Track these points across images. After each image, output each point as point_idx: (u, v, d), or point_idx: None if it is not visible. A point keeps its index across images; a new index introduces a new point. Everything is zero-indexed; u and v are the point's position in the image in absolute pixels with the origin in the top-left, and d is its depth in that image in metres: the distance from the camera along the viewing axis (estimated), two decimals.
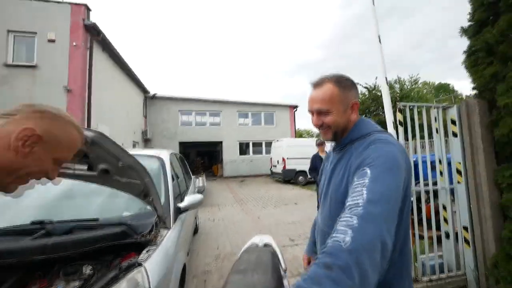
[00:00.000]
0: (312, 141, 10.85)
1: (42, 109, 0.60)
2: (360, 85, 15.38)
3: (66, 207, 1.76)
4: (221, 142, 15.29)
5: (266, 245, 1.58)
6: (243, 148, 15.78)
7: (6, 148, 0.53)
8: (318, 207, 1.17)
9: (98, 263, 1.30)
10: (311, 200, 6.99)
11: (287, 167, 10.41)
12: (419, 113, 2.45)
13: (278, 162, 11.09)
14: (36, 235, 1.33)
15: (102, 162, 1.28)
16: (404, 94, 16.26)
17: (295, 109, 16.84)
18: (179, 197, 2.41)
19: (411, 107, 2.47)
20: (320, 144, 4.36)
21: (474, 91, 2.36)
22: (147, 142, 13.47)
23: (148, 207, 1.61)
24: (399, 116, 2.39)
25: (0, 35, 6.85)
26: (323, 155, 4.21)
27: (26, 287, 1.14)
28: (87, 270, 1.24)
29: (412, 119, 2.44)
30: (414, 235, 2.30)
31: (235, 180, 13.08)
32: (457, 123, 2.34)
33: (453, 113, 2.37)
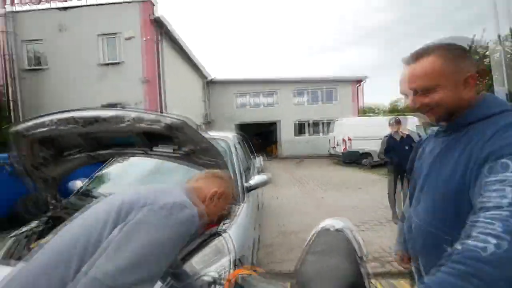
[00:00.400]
0: (381, 120, 9.73)
1: (220, 175, 0.98)
2: None
3: (157, 181, 2.07)
4: (276, 122, 15.33)
5: (342, 229, 1.54)
6: (300, 128, 15.46)
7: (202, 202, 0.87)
8: (410, 200, 1.02)
9: None
10: (377, 185, 6.43)
11: (349, 148, 9.70)
12: None
13: (339, 143, 10.43)
14: None
15: (186, 145, 1.44)
16: None
17: (359, 84, 15.14)
18: (247, 174, 2.55)
19: None
20: (397, 123, 3.73)
21: None
22: (208, 124, 14.64)
23: None
24: None
25: (93, 39, 8.27)
26: (397, 137, 3.70)
27: None
28: None
29: None
30: None
31: (292, 161, 13.06)
32: None
33: None
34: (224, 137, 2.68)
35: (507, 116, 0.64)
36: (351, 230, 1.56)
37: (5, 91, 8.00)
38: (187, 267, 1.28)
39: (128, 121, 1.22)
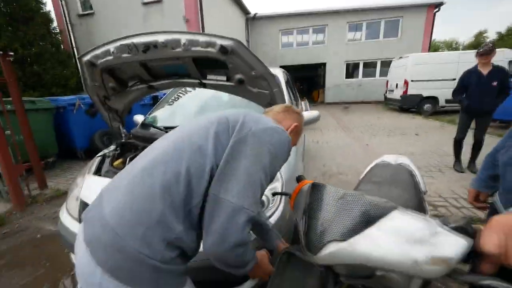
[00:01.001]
0: (454, 56, 7.92)
1: (297, 110, 1.02)
2: None
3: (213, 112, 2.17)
4: (324, 64, 13.88)
5: (404, 164, 1.43)
6: (351, 70, 13.80)
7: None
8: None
9: None
10: (439, 132, 5.70)
11: (410, 91, 8.42)
12: None
13: (396, 86, 9.12)
14: None
15: (239, 72, 1.38)
16: None
17: (436, 10, 11.95)
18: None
19: None
20: (487, 53, 2.87)
21: None
22: None
23: None
24: None
25: None
26: (485, 71, 2.96)
27: None
28: None
29: None
30: None
31: (338, 107, 12.23)
32: None
33: None
34: (273, 71, 2.52)
35: None
36: (410, 166, 1.44)
37: (68, 36, 8.72)
38: None
39: (184, 44, 1.19)
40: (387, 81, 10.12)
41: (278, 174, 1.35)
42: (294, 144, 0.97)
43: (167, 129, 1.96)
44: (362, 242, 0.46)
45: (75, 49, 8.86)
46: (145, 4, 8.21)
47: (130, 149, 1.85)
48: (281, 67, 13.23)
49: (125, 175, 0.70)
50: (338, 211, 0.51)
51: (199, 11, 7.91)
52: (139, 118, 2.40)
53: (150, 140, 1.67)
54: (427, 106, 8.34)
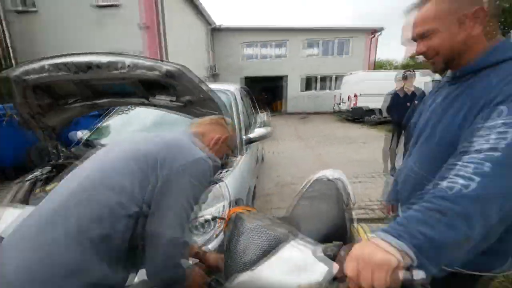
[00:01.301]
0: (391, 74, 9.15)
1: (223, 122, 1.04)
2: None
3: (159, 131, 2.14)
4: (285, 77, 14.66)
5: (336, 179, 1.62)
6: (309, 83, 14.80)
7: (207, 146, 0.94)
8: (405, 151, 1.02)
9: None
10: (379, 141, 6.45)
11: (358, 104, 9.43)
12: None
13: (347, 99, 10.12)
14: None
15: (186, 94, 1.43)
16: None
17: (374, 35, 13.74)
18: (248, 129, 2.59)
19: None
20: (403, 79, 3.57)
21: None
22: (215, 77, 14.13)
23: None
24: None
25: None
26: (402, 94, 3.55)
27: None
28: None
29: None
30: None
31: (296, 117, 12.95)
32: None
33: None
34: (227, 89, 2.63)
35: None
36: (342, 181, 1.65)
37: (3, 35, 7.66)
38: None
39: (123, 67, 1.20)
40: (335, 95, 11.17)
41: (226, 192, 1.42)
42: (220, 155, 1.02)
43: None
44: (265, 271, 0.51)
45: (10, 49, 7.81)
46: (99, 7, 7.70)
47: (60, 172, 1.71)
48: (245, 78, 13.48)
49: (32, 221, 0.64)
50: (249, 243, 0.56)
51: (159, 19, 7.71)
52: (81, 134, 2.22)
53: None
54: (372, 117, 9.42)
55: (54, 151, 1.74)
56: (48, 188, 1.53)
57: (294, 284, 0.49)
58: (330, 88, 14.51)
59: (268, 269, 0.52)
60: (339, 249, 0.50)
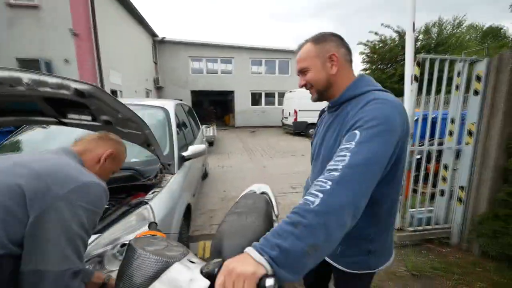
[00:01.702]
0: None
1: (112, 137, 1.05)
2: (391, 28, 13.49)
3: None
4: (233, 92, 15.02)
5: (263, 193, 1.74)
6: (256, 98, 15.50)
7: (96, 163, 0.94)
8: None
9: (112, 200, 1.51)
10: None
11: (299, 119, 10.32)
12: (441, 66, 2.24)
13: (289, 114, 10.97)
14: None
15: (103, 113, 1.35)
16: (441, 41, 14.10)
17: None
18: (186, 146, 2.56)
19: (433, 60, 2.23)
20: None
21: None
22: (159, 90, 13.49)
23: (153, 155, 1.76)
24: (416, 70, 2.20)
25: None
26: None
27: None
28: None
29: (432, 73, 2.24)
30: (408, 189, 2.40)
31: (246, 131, 13.33)
32: (482, 79, 2.13)
33: (481, 68, 2.15)
34: (163, 105, 2.57)
35: (370, 95, 0.74)
36: (268, 194, 1.77)
37: None
38: (109, 234, 1.33)
39: (20, 84, 1.08)
40: (283, 110, 12.03)
41: (150, 215, 1.37)
42: (113, 171, 1.00)
43: None
44: None
45: None
46: (11, 6, 6.62)
47: None
48: (193, 91, 13.24)
49: None
50: (134, 270, 0.56)
51: (92, 26, 7.05)
52: None
53: None
54: (311, 131, 10.34)
55: None
56: None
57: None
58: (275, 104, 15.47)
59: None
60: (220, 265, 0.53)
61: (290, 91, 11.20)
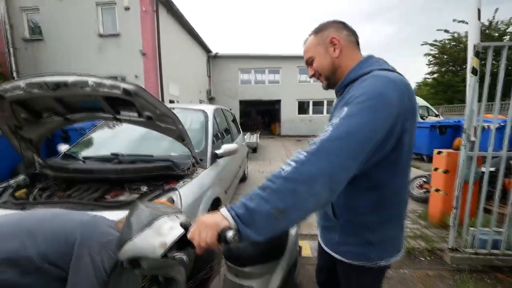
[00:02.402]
0: None
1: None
2: (466, 23, 11.62)
3: (134, 146, 2.29)
4: (279, 101, 15.21)
5: None
6: (303, 107, 15.32)
7: None
8: None
9: (152, 185, 1.75)
10: None
11: None
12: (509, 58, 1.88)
13: None
14: (113, 162, 1.88)
15: (146, 110, 1.61)
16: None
17: None
18: (220, 145, 2.74)
19: (498, 49, 1.88)
20: None
21: None
22: (211, 100, 14.66)
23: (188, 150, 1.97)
24: (475, 62, 1.90)
25: (92, 8, 8.17)
26: None
27: (109, 192, 1.68)
28: (143, 188, 1.69)
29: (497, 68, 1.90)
30: (465, 203, 2.03)
31: (292, 139, 13.22)
32: None
33: None
34: (203, 108, 2.84)
35: (372, 73, 0.71)
36: None
37: (8, 60, 8.18)
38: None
39: (87, 86, 1.39)
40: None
41: (176, 197, 1.54)
42: None
43: (86, 159, 2.03)
44: (139, 239, 0.64)
45: (14, 72, 8.28)
46: (101, 36, 8.33)
47: (40, 180, 1.85)
48: (241, 101, 14.02)
49: None
50: (133, 218, 0.69)
51: (157, 46, 8.28)
52: (63, 147, 2.40)
53: (65, 170, 1.72)
54: None
55: (38, 160, 1.89)
56: (17, 194, 1.65)
57: (155, 243, 0.63)
58: (323, 113, 14.97)
59: (141, 237, 0.65)
60: (195, 220, 0.63)
61: None
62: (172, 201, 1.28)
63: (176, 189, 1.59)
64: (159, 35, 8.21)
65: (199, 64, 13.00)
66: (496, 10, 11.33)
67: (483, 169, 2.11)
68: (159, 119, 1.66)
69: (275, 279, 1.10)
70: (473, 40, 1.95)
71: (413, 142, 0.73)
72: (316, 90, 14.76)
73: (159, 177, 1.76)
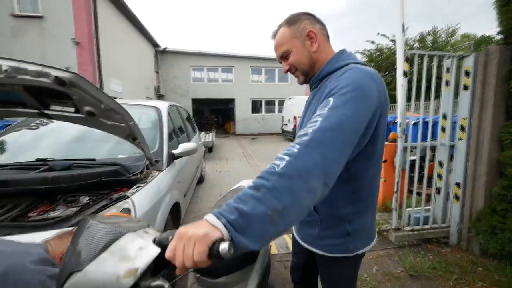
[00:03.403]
0: None
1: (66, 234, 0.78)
2: (387, 37, 13.60)
3: (68, 149, 1.92)
4: (233, 100, 15.15)
5: None
6: (256, 106, 15.60)
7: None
8: None
9: (94, 195, 1.47)
10: None
11: (298, 125, 10.30)
12: (430, 62, 2.24)
13: (289, 121, 10.98)
14: (39, 170, 1.52)
15: (86, 104, 1.34)
16: (436, 49, 14.30)
17: None
18: (177, 145, 2.53)
19: (420, 56, 2.23)
20: None
21: (499, 36, 2.08)
22: (160, 98, 13.64)
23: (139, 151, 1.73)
24: (405, 66, 2.19)
25: None
26: None
27: (34, 209, 1.35)
28: (84, 199, 1.42)
29: (420, 73, 2.23)
30: (403, 188, 2.34)
31: (247, 138, 13.33)
32: (471, 74, 2.12)
33: (469, 63, 2.14)
34: (156, 105, 2.58)
35: (349, 66, 0.71)
36: None
37: None
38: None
39: (6, 71, 1.08)
40: (282, 117, 12.04)
41: (129, 207, 1.33)
42: None
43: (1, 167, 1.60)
44: (92, 267, 0.46)
45: None
46: (16, 16, 6.83)
47: None
48: (193, 99, 13.39)
49: None
50: (82, 241, 0.51)
51: (94, 35, 7.23)
52: None
53: None
54: None
55: None
56: None
57: (118, 272, 0.46)
58: (275, 111, 15.53)
59: (96, 265, 0.47)
60: (173, 234, 0.49)
61: (290, 98, 11.26)
62: (128, 211, 1.08)
63: (128, 197, 1.38)
64: (96, 22, 7.18)
65: (145, 59, 11.90)
66: (407, 28, 13.62)
67: (412, 157, 2.46)
68: (104, 115, 1.41)
69: (251, 284, 1.02)
70: (400, 47, 2.24)
71: (385, 135, 0.76)
72: (268, 90, 15.28)
73: (104, 184, 1.50)
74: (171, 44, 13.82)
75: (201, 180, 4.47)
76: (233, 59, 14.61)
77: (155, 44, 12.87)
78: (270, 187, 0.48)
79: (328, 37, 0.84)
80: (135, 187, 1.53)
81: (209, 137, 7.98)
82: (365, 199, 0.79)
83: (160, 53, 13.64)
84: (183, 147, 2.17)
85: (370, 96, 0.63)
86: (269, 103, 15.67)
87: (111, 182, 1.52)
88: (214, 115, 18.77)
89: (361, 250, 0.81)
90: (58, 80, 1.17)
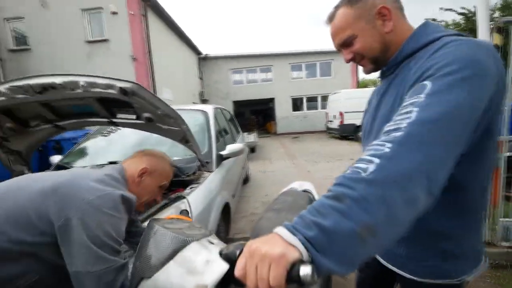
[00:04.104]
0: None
1: (150, 153, 1.06)
2: (454, 11, 11.61)
3: (132, 153, 2.13)
4: (273, 99, 15.11)
5: (305, 191, 1.61)
6: (297, 104, 15.25)
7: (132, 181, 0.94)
8: None
9: None
10: None
11: (345, 121, 9.63)
12: None
13: (334, 117, 10.37)
14: None
15: (145, 111, 1.45)
16: (510, 4, 11.32)
17: None
18: (224, 146, 2.60)
19: None
20: None
21: None
22: (204, 102, 14.46)
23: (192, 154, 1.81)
24: (497, 39, 1.78)
25: (78, 15, 7.90)
26: None
27: None
28: None
29: None
30: (497, 193, 1.92)
31: (288, 137, 13.13)
32: None
33: None
34: (203, 108, 2.69)
35: (442, 40, 0.55)
36: (311, 192, 1.62)
37: None
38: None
39: (77, 87, 1.23)
40: (326, 113, 11.46)
41: (185, 207, 1.39)
42: (159, 186, 1.02)
43: None
44: (161, 277, 0.47)
45: None
46: (89, 42, 8.07)
47: None
48: (234, 102, 13.85)
49: None
50: (151, 248, 0.52)
51: (147, 50, 8.07)
52: (56, 159, 2.23)
53: None
54: (360, 133, 9.58)
55: (26, 172, 1.72)
56: None
57: (185, 286, 0.45)
58: (318, 108, 14.92)
59: (164, 275, 0.47)
60: (242, 247, 0.44)
61: (335, 93, 10.59)
62: (186, 213, 1.12)
63: (185, 197, 1.44)
64: (149, 39, 8.01)
65: (190, 67, 12.78)
66: None
67: (508, 154, 1.99)
68: (160, 120, 1.51)
69: None
70: (483, 17, 1.83)
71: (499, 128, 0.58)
72: (309, 86, 14.75)
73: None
74: (211, 50, 14.74)
75: (246, 180, 4.54)
76: (270, 57, 14.56)
77: (197, 52, 13.71)
78: (356, 198, 0.39)
79: (402, 9, 0.67)
80: (189, 187, 1.60)
81: (251, 137, 8.10)
82: (475, 212, 0.61)
83: (202, 60, 14.45)
84: (230, 148, 2.20)
85: (488, 74, 0.47)
86: (311, 99, 15.12)
87: (170, 182, 1.62)
88: (254, 115, 19.07)
89: (467, 276, 0.63)
90: (122, 90, 1.28)
